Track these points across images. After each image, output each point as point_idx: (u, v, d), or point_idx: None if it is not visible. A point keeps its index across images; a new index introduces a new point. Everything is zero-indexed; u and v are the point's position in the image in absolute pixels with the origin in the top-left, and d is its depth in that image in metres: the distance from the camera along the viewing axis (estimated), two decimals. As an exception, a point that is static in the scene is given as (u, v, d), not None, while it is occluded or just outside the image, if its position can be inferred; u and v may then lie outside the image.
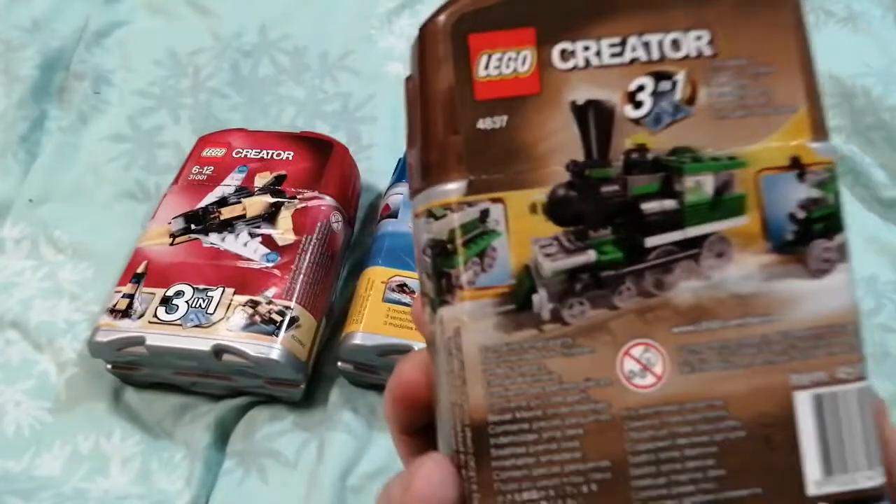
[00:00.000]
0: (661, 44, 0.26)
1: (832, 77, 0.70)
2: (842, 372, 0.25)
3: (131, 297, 0.54)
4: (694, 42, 0.26)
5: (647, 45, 0.26)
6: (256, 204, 0.58)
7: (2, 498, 0.49)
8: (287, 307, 0.52)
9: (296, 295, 0.53)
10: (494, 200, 0.25)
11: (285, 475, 0.52)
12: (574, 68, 0.26)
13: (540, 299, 0.25)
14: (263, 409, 0.55)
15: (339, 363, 0.54)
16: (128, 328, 0.52)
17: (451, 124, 0.25)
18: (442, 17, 0.26)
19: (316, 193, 0.59)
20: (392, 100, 0.73)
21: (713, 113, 0.25)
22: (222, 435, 0.54)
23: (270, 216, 0.58)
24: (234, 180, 0.60)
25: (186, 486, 0.51)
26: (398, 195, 0.60)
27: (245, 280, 0.54)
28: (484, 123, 0.25)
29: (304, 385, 0.54)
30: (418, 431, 0.27)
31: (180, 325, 0.52)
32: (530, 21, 0.26)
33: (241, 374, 0.53)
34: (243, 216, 0.58)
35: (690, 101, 0.26)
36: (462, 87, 0.26)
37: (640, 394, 0.25)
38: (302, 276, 0.54)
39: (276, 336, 0.51)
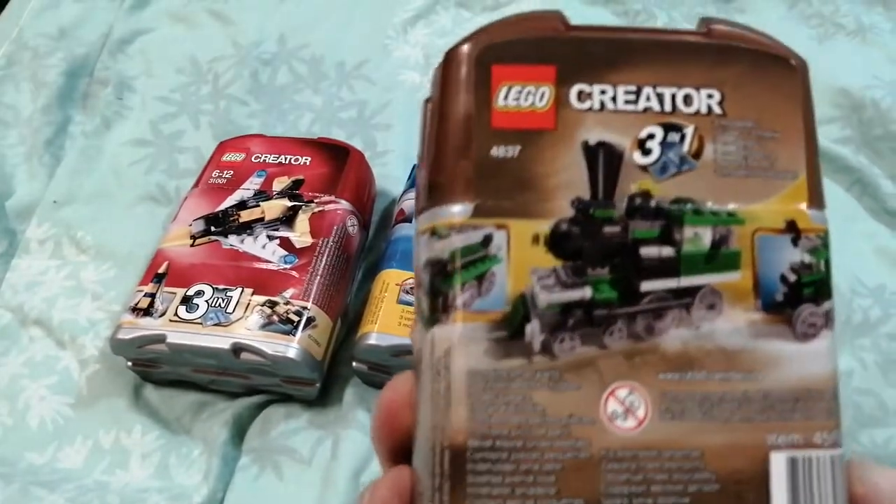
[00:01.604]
0: (674, 97, 0.26)
1: (841, 89, 0.71)
2: (818, 437, 0.25)
3: (153, 296, 0.55)
4: (705, 99, 0.26)
5: (660, 97, 0.26)
6: (275, 207, 0.60)
7: (27, 488, 0.51)
8: (304, 307, 0.54)
9: (312, 296, 0.55)
10: (499, 226, 0.25)
11: (300, 472, 0.53)
12: (589, 109, 0.26)
13: (532, 329, 0.25)
14: (279, 408, 0.56)
15: (354, 363, 0.55)
16: (149, 326, 0.53)
17: (466, 148, 0.26)
18: (468, 45, 0.27)
19: (332, 198, 0.60)
20: (407, 108, 0.75)
21: (717, 169, 0.26)
22: (239, 432, 0.55)
23: (288, 219, 0.59)
24: (252, 184, 0.62)
25: (204, 481, 0.52)
26: (412, 200, 0.61)
27: (263, 281, 0.55)
28: (497, 151, 0.26)
29: (320, 384, 0.55)
30: (403, 458, 0.26)
31: (200, 323, 0.53)
32: (553, 59, 0.27)
33: (258, 373, 0.54)
34: (262, 219, 0.59)
35: (697, 154, 0.26)
36: (480, 114, 0.26)
37: (621, 436, 0.25)
38: (318, 277, 0.56)
39: (294, 335, 0.52)
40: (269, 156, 0.64)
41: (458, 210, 0.25)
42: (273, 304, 0.54)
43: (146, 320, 0.54)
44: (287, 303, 0.54)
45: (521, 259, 0.25)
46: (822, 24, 0.78)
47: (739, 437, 0.25)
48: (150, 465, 0.54)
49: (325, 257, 0.57)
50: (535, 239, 0.25)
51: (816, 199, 0.26)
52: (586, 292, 0.25)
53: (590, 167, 0.26)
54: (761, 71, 0.26)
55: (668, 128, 0.26)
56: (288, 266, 0.56)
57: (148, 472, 0.53)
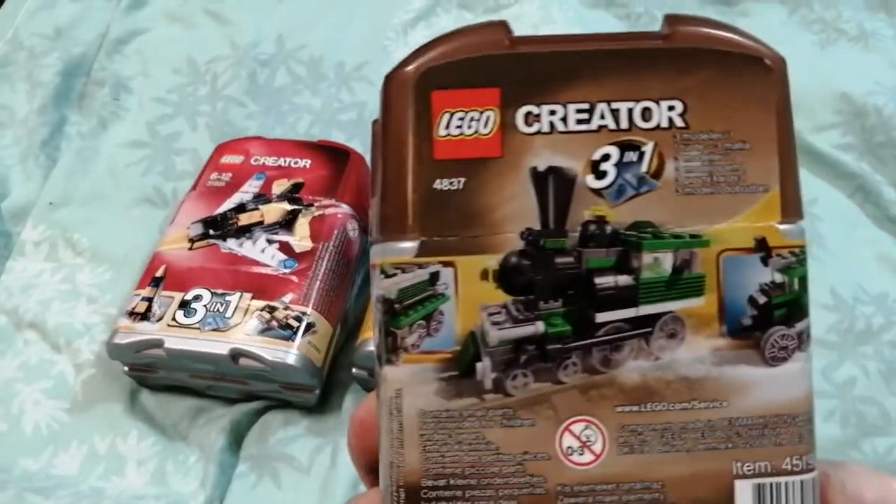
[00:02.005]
0: (630, 112, 0.25)
1: (843, 95, 0.71)
2: (788, 463, 0.24)
3: (150, 300, 0.54)
4: (666, 112, 0.25)
5: (615, 113, 0.25)
6: (274, 211, 0.59)
7: (22, 495, 0.50)
8: (304, 313, 0.53)
9: (312, 301, 0.54)
10: (445, 264, 0.24)
11: (298, 480, 0.53)
12: (538, 133, 0.25)
13: (483, 368, 0.24)
14: (277, 414, 0.56)
15: (354, 369, 0.55)
16: (146, 331, 0.53)
17: (408, 182, 0.25)
18: (407, 70, 0.25)
19: (333, 201, 0.60)
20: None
21: (679, 188, 0.24)
22: (236, 438, 0.55)
23: (288, 223, 0.58)
24: (251, 187, 0.61)
25: (201, 488, 0.51)
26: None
27: (262, 285, 0.55)
28: (441, 184, 0.25)
29: (319, 390, 0.55)
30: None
31: (198, 328, 0.52)
32: (496, 81, 0.25)
33: (256, 379, 0.53)
34: (261, 223, 0.59)
35: (656, 174, 0.25)
36: (421, 145, 0.25)
37: (578, 471, 0.24)
38: (318, 282, 0.55)
39: (293, 341, 0.52)
40: (268, 158, 0.63)
41: (404, 247, 0.25)
42: (272, 310, 0.53)
43: (143, 325, 0.53)
44: (286, 308, 0.53)
45: (470, 296, 0.24)
46: (824, 29, 0.77)
47: (703, 467, 0.24)
48: (147, 471, 0.53)
49: (325, 262, 0.56)
50: (484, 274, 0.24)
51: (791, 212, 0.24)
52: (538, 327, 0.24)
53: (539, 195, 0.25)
54: (730, 75, 0.25)
55: (624, 147, 0.25)
56: (287, 271, 0.55)
57: (144, 479, 0.53)
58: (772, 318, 0.24)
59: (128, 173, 0.70)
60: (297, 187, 0.61)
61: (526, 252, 0.24)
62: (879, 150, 0.69)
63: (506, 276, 0.24)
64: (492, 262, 0.24)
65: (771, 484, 0.24)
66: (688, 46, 0.25)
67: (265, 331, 0.52)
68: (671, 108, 0.25)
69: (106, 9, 0.81)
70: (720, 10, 0.80)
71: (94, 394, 0.57)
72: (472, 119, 0.25)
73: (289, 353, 0.51)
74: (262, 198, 0.60)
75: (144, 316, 0.54)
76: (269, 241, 0.57)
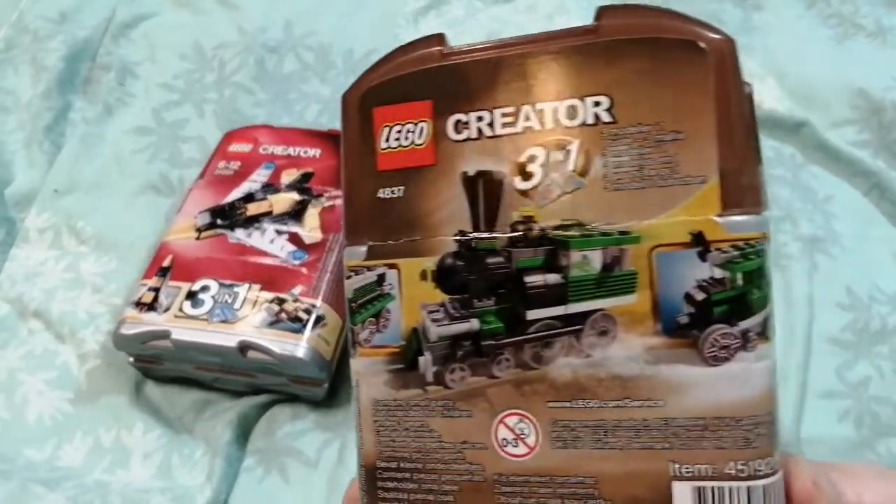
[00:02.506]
0: (555, 112, 0.25)
1: (860, 91, 0.70)
2: (731, 467, 0.23)
3: (157, 290, 0.53)
4: (592, 108, 0.25)
5: (540, 114, 0.25)
6: (283, 201, 0.58)
7: (26, 486, 0.49)
8: (313, 305, 0.52)
9: (322, 293, 0.53)
10: (390, 266, 0.26)
11: (306, 475, 0.52)
12: (467, 139, 0.26)
13: (425, 362, 0.26)
14: (285, 408, 0.55)
15: (363, 363, 0.54)
16: (153, 322, 0.52)
17: (357, 191, 0.27)
18: (354, 91, 0.27)
19: (343, 192, 0.59)
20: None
21: (608, 184, 0.24)
22: (243, 432, 0.54)
23: (297, 213, 0.57)
24: (260, 176, 0.60)
25: (207, 482, 0.51)
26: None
27: (271, 277, 0.54)
28: (384, 193, 0.27)
29: (328, 384, 0.54)
30: None
31: (206, 319, 0.52)
32: (428, 93, 0.26)
33: (264, 371, 0.53)
34: (269, 213, 0.58)
35: (584, 172, 0.25)
36: (366, 158, 0.27)
37: (513, 462, 0.25)
38: (328, 274, 0.54)
39: (303, 334, 0.51)
40: (277, 147, 0.62)
41: (356, 251, 0.27)
42: (281, 301, 0.52)
43: (150, 315, 0.52)
44: (296, 300, 0.52)
45: (412, 296, 0.26)
46: (841, 24, 0.76)
47: (637, 466, 0.24)
48: (152, 464, 0.52)
49: (335, 254, 0.55)
50: (423, 275, 0.26)
51: (736, 202, 0.23)
52: (473, 324, 0.26)
53: (470, 199, 0.26)
54: (662, 62, 0.24)
55: (550, 147, 0.25)
56: (297, 262, 0.54)
57: (150, 472, 0.52)
58: (710, 315, 0.24)
59: (133, 160, 0.69)
60: (306, 177, 0.60)
61: (459, 253, 0.26)
62: (896, 147, 0.68)
63: (442, 277, 0.26)
64: (430, 263, 0.26)
65: (713, 488, 0.24)
66: (614, 39, 0.25)
67: (274, 323, 0.51)
68: (597, 104, 0.25)
69: (112, -8, 0.80)
70: (734, 2, 0.79)
71: (98, 385, 0.56)
72: (408, 131, 0.27)
73: (298, 347, 0.50)
74: (270, 187, 0.59)
75: (151, 306, 0.53)
76: (279, 232, 0.56)
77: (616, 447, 0.24)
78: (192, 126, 0.71)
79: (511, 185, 0.25)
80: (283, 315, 0.52)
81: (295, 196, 0.58)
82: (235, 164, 0.61)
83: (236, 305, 0.52)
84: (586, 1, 0.78)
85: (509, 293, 0.25)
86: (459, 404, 0.26)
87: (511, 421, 0.25)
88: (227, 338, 0.51)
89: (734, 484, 0.23)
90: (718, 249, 0.23)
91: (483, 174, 0.26)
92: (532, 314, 0.25)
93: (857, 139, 0.69)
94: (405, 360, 0.26)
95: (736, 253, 0.24)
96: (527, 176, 0.25)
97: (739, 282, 0.24)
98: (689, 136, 0.24)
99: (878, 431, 0.55)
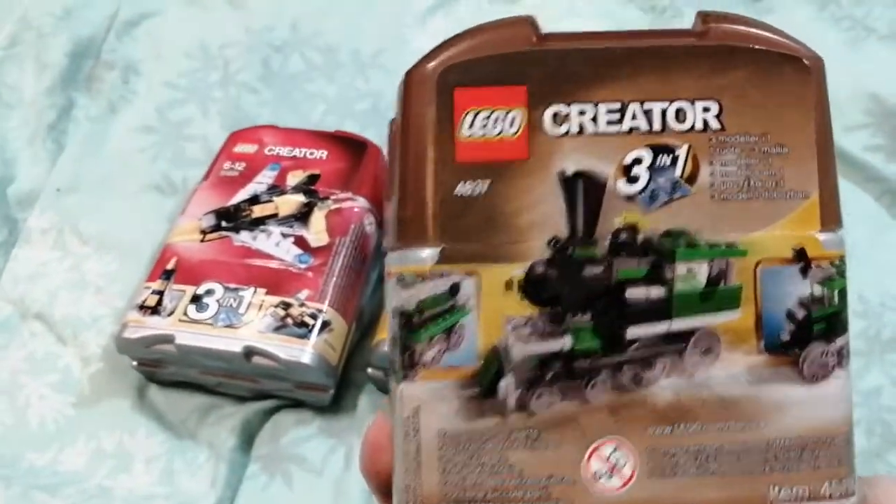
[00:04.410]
0: (664, 113, 0.24)
1: (873, 95, 0.69)
2: (826, 488, 0.23)
3: (161, 293, 0.53)
4: (701, 114, 0.24)
5: (648, 114, 0.23)
6: (288, 203, 0.58)
7: (28, 492, 0.49)
8: (319, 310, 0.52)
9: (328, 298, 0.52)
10: (468, 273, 0.23)
11: (311, 482, 0.51)
12: (566, 134, 0.23)
13: (507, 385, 0.23)
14: (289, 413, 0.54)
15: (370, 369, 0.53)
16: (157, 326, 0.51)
17: (428, 186, 0.23)
18: (429, 66, 0.24)
19: (349, 195, 0.58)
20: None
21: (715, 194, 0.23)
22: (248, 438, 0.53)
23: (303, 216, 0.57)
24: (266, 178, 0.60)
25: (211, 488, 0.50)
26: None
27: (277, 281, 0.53)
28: (463, 188, 0.23)
29: (333, 390, 0.53)
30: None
31: (211, 324, 0.51)
32: (523, 79, 0.24)
33: (269, 377, 0.52)
34: (275, 215, 0.57)
35: (691, 178, 0.23)
36: (443, 147, 0.23)
37: (606, 496, 0.23)
38: (335, 278, 0.53)
39: (308, 339, 0.50)
40: (282, 148, 0.62)
41: (424, 255, 0.23)
42: (287, 306, 0.52)
43: (154, 319, 0.52)
44: (302, 305, 0.52)
45: (493, 308, 0.23)
46: (853, 27, 0.75)
47: (738, 492, 0.23)
48: (155, 469, 0.52)
49: (341, 258, 0.54)
50: (508, 285, 0.23)
51: (831, 219, 0.23)
52: (566, 342, 0.23)
53: (568, 201, 0.23)
54: (767, 74, 0.23)
55: (657, 150, 0.23)
56: (303, 266, 0.54)
57: (152, 478, 0.51)
58: (811, 333, 0.23)
59: (136, 160, 0.68)
60: (312, 179, 0.59)
61: (553, 261, 0.23)
62: (910, 153, 0.67)
63: (532, 287, 0.23)
64: (517, 271, 0.23)
65: None
66: (723, 44, 0.24)
67: (279, 328, 0.51)
68: (706, 110, 0.23)
69: (116, -11, 0.79)
70: (747, 4, 0.78)
71: (101, 388, 0.55)
72: (497, 119, 0.24)
73: (304, 352, 0.50)
74: (276, 189, 0.59)
75: (155, 310, 0.52)
76: (284, 235, 0.56)
77: (717, 473, 0.23)
78: (196, 125, 0.70)
79: (613, 188, 0.23)
80: (289, 320, 0.51)
81: (301, 198, 0.58)
82: (240, 165, 0.61)
83: (241, 310, 0.52)
84: (598, 4, 0.77)
85: (608, 308, 0.23)
86: (546, 434, 0.23)
87: (605, 450, 0.23)
88: (231, 343, 0.50)
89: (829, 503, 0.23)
90: (819, 266, 0.23)
91: (583, 174, 0.23)
92: (633, 331, 0.23)
93: (869, 144, 0.68)
94: (482, 384, 0.23)
95: (833, 270, 0.23)
96: (632, 179, 0.23)
97: (835, 300, 0.23)
98: (793, 151, 0.23)
99: (889, 441, 0.54)
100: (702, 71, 0.23)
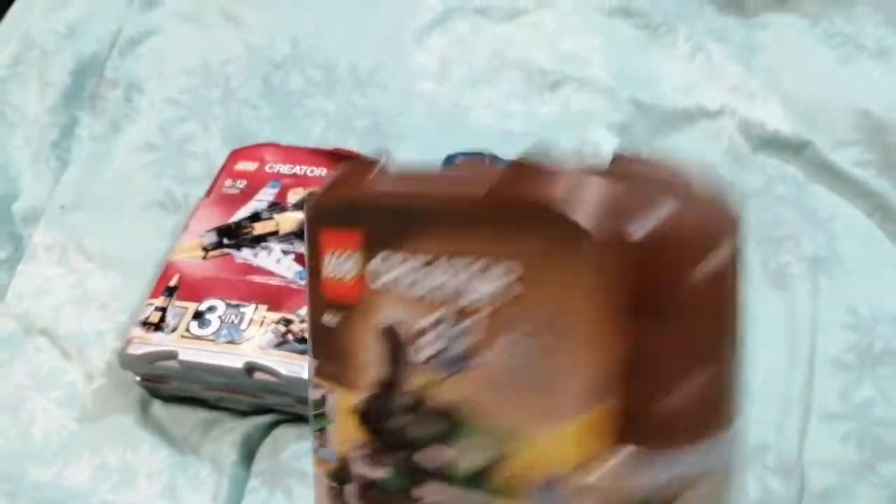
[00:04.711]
0: (470, 273, 0.22)
1: (863, 112, 0.70)
2: None
3: (164, 310, 0.54)
4: (502, 277, 0.22)
5: (456, 272, 0.22)
6: (289, 220, 0.59)
7: (32, 509, 0.49)
8: (320, 327, 0.52)
9: (328, 314, 0.53)
10: (329, 390, 0.27)
11: (311, 496, 0.52)
12: (387, 283, 0.24)
13: (349, 491, 0.27)
14: (290, 428, 0.55)
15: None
16: (160, 342, 0.52)
17: (310, 309, 0.28)
18: (311, 203, 0.26)
19: (349, 212, 0.59)
20: (422, 118, 0.73)
21: (502, 373, 0.22)
22: (248, 452, 0.54)
23: (303, 233, 0.57)
24: (266, 195, 0.61)
25: (213, 503, 0.51)
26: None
27: (278, 297, 0.54)
28: (326, 318, 0.27)
29: (333, 405, 0.54)
30: None
31: (213, 340, 0.52)
32: (361, 223, 0.25)
33: (270, 392, 0.53)
34: (276, 232, 0.58)
35: (479, 351, 0.22)
36: (315, 279, 0.27)
37: None
38: (334, 295, 0.54)
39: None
40: (283, 166, 0.63)
41: (311, 365, 0.28)
42: (288, 322, 0.53)
43: (157, 335, 0.52)
44: (302, 321, 0.53)
45: (344, 425, 0.26)
46: (844, 44, 0.77)
47: None
48: (158, 484, 0.52)
49: (341, 274, 0.55)
50: (353, 410, 0.26)
51: (644, 435, 0.19)
52: (381, 474, 0.26)
53: (383, 350, 0.25)
54: (563, 243, 0.20)
55: (457, 315, 0.23)
56: (303, 282, 0.55)
57: (155, 493, 0.52)
58: None
59: (139, 177, 0.69)
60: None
61: (377, 401, 0.25)
62: (900, 168, 0.68)
63: (364, 418, 0.26)
64: (356, 400, 0.26)
65: None
66: (513, 206, 0.21)
67: (281, 344, 0.52)
68: (504, 274, 0.21)
69: (120, 7, 0.81)
70: (739, 21, 0.79)
71: (104, 404, 0.56)
72: (342, 261, 0.26)
73: (304, 368, 0.50)
74: (277, 206, 0.60)
75: (158, 326, 0.53)
76: (285, 252, 0.57)
77: None
78: (198, 142, 0.72)
79: (415, 346, 0.24)
80: (290, 336, 0.52)
81: (301, 216, 0.58)
82: (242, 183, 0.62)
83: (243, 326, 0.52)
84: (592, 21, 0.78)
85: (404, 461, 0.25)
86: None
87: None
88: (233, 359, 0.51)
89: None
90: None
91: (392, 330, 0.24)
92: (418, 490, 0.25)
93: (860, 159, 0.69)
94: (338, 482, 0.27)
95: None
96: (430, 341, 0.23)
97: None
98: (568, 345, 0.21)
99: (880, 455, 0.55)
100: (507, 231, 0.21)
